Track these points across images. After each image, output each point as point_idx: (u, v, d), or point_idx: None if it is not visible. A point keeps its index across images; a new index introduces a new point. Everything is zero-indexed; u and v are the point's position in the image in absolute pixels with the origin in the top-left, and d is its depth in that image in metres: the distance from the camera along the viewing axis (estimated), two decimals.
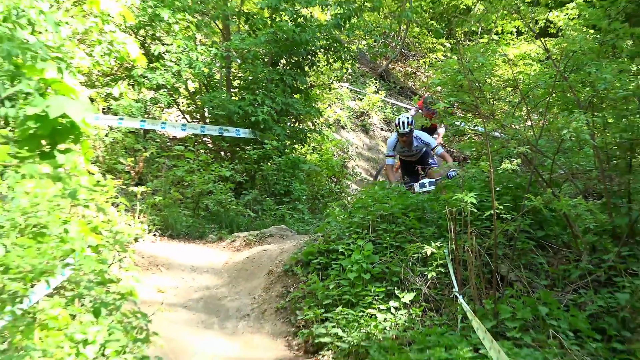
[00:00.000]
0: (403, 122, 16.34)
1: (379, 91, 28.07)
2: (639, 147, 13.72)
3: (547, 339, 11.74)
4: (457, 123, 18.46)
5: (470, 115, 17.34)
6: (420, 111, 22.27)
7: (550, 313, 12.18)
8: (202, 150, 19.19)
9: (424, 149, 17.60)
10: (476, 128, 17.11)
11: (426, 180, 16.35)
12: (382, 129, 28.40)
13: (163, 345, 11.14)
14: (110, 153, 16.68)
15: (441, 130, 23.84)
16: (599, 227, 13.32)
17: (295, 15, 20.15)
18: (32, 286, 8.54)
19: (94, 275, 10.23)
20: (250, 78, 20.03)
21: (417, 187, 16.11)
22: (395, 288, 12.59)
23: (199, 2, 19.72)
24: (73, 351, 8.79)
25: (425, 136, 17.33)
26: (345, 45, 22.88)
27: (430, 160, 16.84)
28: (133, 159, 17.57)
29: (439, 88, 21.76)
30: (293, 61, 20.63)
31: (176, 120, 19.21)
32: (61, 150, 11.35)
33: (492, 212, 12.86)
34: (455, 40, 25.45)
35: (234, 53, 19.69)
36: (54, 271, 9.12)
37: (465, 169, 16.11)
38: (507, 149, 14.76)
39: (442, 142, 25.06)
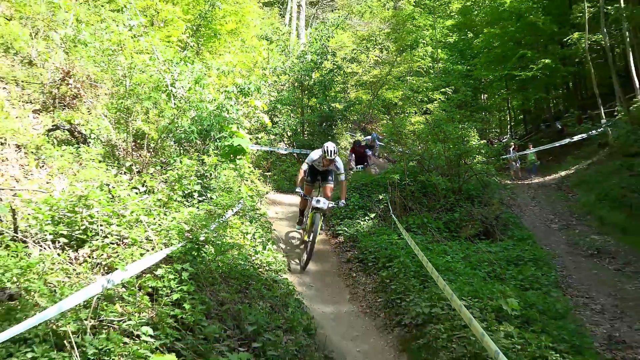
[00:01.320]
0: (331, 151, 10.63)
1: (360, 135, 27.67)
2: (463, 156, 13.70)
3: (427, 232, 11.74)
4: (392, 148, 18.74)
5: (396, 144, 17.46)
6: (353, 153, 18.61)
7: (427, 222, 12.18)
8: (293, 158, 19.03)
9: (333, 170, 11.23)
10: (399, 150, 17.11)
11: (322, 199, 10.57)
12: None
13: (276, 234, 11.18)
14: (257, 159, 16.60)
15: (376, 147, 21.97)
16: (447, 188, 13.31)
17: (329, 106, 19.94)
18: (225, 211, 8.51)
19: (250, 206, 10.22)
20: (312, 130, 19.83)
21: (313, 201, 10.57)
22: (368, 211, 12.59)
23: (292, 101, 19.55)
24: (241, 236, 8.78)
25: (340, 164, 11.13)
26: (348, 117, 22.59)
27: (329, 178, 11.10)
28: (266, 161, 17.44)
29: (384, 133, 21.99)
30: (329, 123, 20.34)
31: (283, 147, 19.08)
32: (238, 159, 11.35)
33: (405, 181, 12.97)
34: (390, 115, 24.99)
35: (306, 121, 19.51)
36: (234, 205, 9.12)
37: (397, 167, 16.25)
38: (410, 157, 14.78)
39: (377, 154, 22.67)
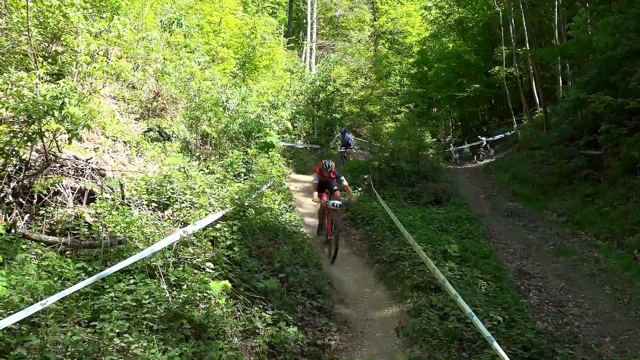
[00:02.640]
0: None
1: (353, 136, 27.10)
2: (421, 149, 13.44)
3: (396, 200, 11.59)
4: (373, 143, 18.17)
5: (376, 141, 17.00)
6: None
7: (397, 193, 12.02)
8: (307, 150, 18.82)
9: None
10: (378, 145, 16.74)
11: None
12: (354, 145, 26.57)
13: (295, 200, 11.08)
14: (283, 152, 16.37)
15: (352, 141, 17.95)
16: (410, 170, 13.05)
17: (331, 116, 19.76)
18: (262, 185, 8.43)
19: (278, 182, 10.14)
20: (319, 132, 19.63)
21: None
22: (357, 186, 12.41)
23: (306, 113, 19.43)
24: (272, 202, 8.69)
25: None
26: (344, 123, 22.21)
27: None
28: (289, 153, 17.19)
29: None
30: (331, 127, 20.02)
31: (301, 143, 18.92)
32: (270, 151, 11.20)
33: (382, 166, 12.77)
34: (372, 122, 24.60)
35: (315, 126, 19.35)
36: (267, 181, 9.03)
37: (376, 156, 15.73)
38: (385, 150, 14.38)
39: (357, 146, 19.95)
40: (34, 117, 4.40)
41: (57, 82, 5.94)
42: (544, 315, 5.73)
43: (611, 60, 11.23)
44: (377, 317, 5.93)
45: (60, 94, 4.59)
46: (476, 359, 4.27)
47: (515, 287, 6.64)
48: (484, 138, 21.70)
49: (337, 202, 7.63)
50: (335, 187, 8.17)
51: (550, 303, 6.13)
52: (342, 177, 7.22)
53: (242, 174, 8.90)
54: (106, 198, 5.30)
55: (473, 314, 4.22)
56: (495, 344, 3.72)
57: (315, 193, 7.93)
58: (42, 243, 4.39)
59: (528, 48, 19.09)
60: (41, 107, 4.47)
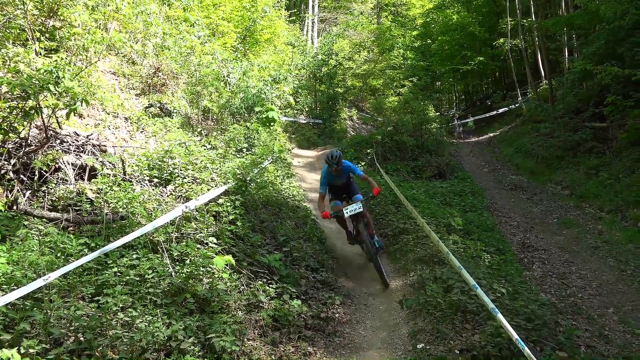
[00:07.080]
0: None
1: (356, 110, 26.68)
2: (424, 123, 13.28)
3: (399, 174, 11.50)
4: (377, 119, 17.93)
5: (379, 115, 16.84)
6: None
7: (400, 167, 11.91)
8: (309, 125, 18.60)
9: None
10: (380, 119, 16.52)
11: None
12: (357, 119, 26.31)
13: (298, 175, 11.00)
14: (285, 126, 16.22)
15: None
16: (413, 144, 12.88)
17: (334, 90, 19.45)
18: (264, 160, 8.35)
19: (279, 157, 10.05)
20: (322, 107, 19.32)
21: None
22: (360, 160, 12.28)
23: (308, 87, 19.17)
24: (274, 177, 8.62)
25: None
26: (346, 97, 21.86)
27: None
28: (291, 128, 17.05)
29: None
30: (333, 102, 19.70)
31: (303, 118, 18.67)
32: (271, 125, 11.06)
33: (385, 140, 12.64)
34: (375, 96, 24.29)
35: (318, 100, 19.08)
36: (269, 156, 8.95)
37: (379, 130, 15.51)
38: (388, 124, 14.26)
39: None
40: (29, 92, 4.30)
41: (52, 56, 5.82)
42: (547, 287, 5.72)
43: (619, 30, 10.95)
44: (380, 290, 5.93)
45: (55, 68, 4.48)
46: (480, 331, 4.26)
47: (519, 259, 6.61)
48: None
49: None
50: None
51: (554, 275, 6.11)
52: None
53: (244, 149, 8.83)
54: (107, 174, 5.25)
55: (477, 285, 4.18)
56: (500, 315, 3.70)
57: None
58: (44, 219, 4.36)
59: (534, 19, 18.67)
60: (36, 81, 4.37)
